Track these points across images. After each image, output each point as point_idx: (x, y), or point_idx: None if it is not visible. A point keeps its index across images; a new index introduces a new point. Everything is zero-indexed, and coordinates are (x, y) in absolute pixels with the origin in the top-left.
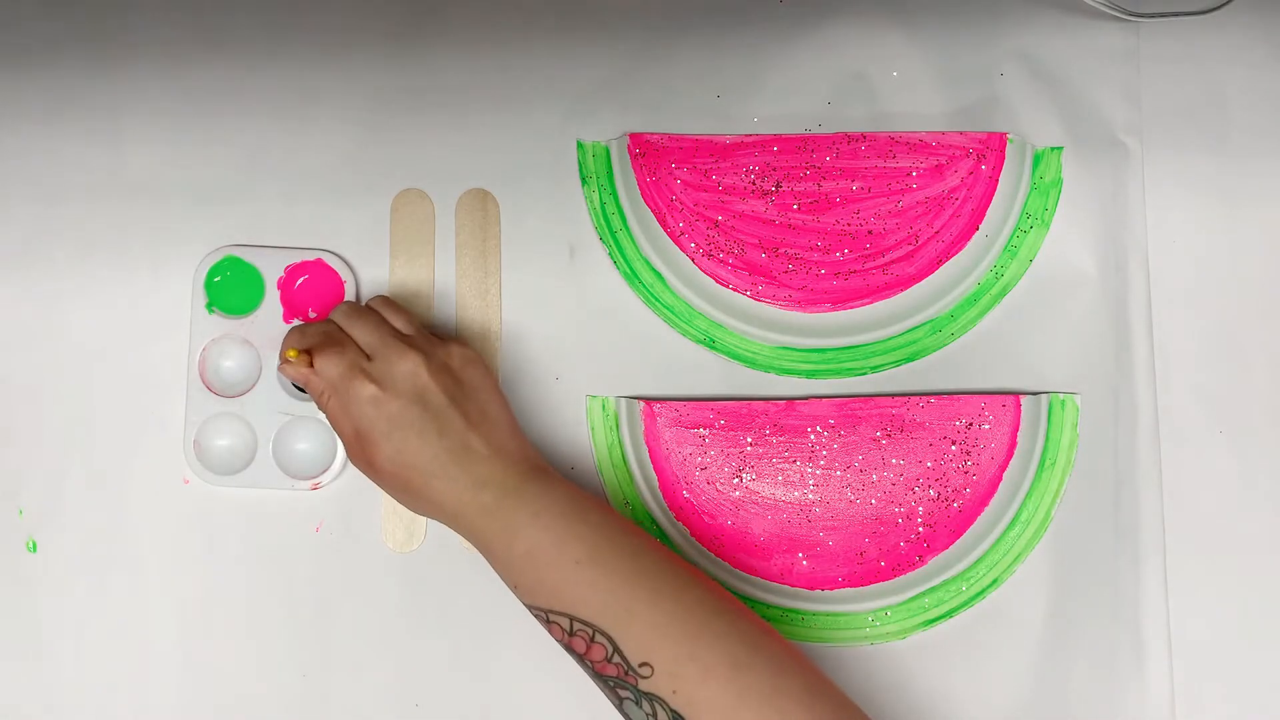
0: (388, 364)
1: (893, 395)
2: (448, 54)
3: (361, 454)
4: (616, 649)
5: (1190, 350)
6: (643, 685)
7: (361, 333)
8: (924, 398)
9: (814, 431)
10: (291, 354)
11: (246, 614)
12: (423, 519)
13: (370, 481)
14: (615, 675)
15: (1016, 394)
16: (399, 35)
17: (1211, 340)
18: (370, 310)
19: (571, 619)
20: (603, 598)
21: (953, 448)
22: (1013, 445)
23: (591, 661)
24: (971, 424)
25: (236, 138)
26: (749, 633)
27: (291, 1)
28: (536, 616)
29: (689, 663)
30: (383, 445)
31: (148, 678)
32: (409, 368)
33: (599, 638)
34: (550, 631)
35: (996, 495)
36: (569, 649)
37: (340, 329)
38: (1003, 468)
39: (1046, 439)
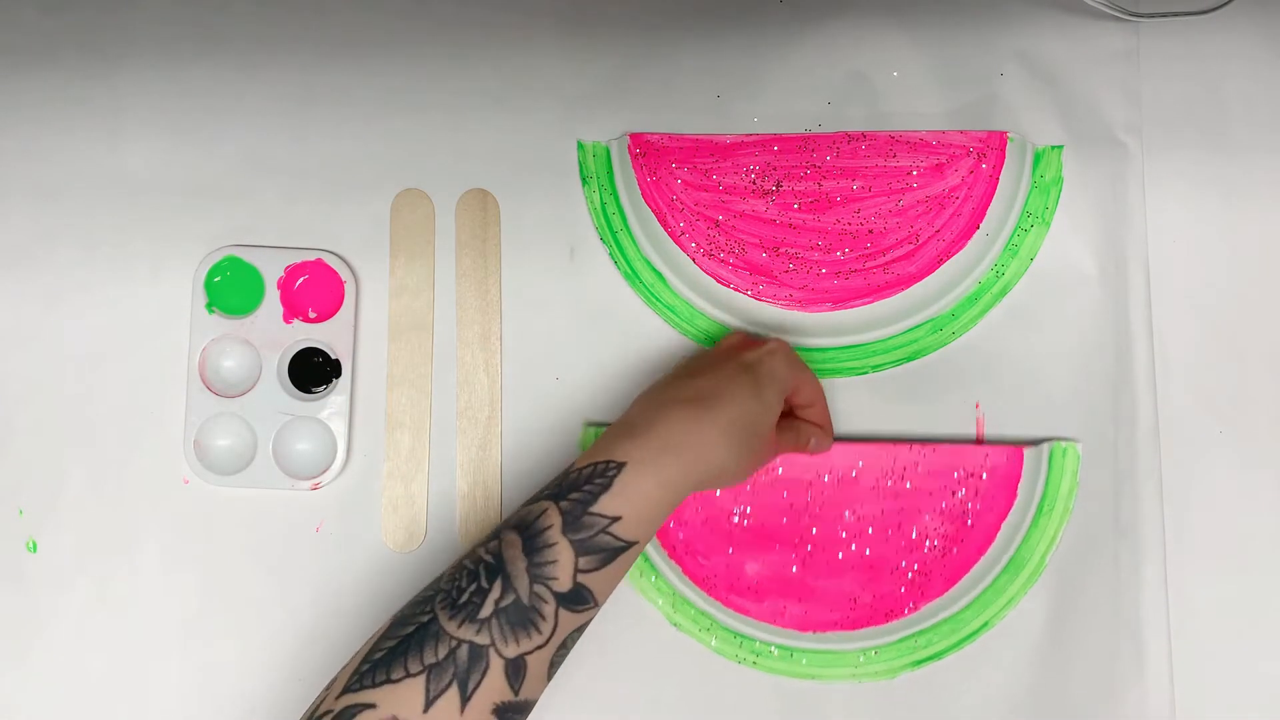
0: None
1: (894, 441)
2: (448, 54)
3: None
4: None
5: (1190, 350)
6: None
7: None
8: (926, 446)
9: (811, 476)
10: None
11: (246, 614)
12: (423, 519)
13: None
14: None
15: (1019, 444)
16: (399, 36)
17: (1211, 340)
18: None
19: None
20: None
21: (954, 496)
22: (1012, 496)
23: None
24: (972, 474)
25: (236, 138)
26: None
27: (291, 2)
28: None
29: None
30: None
31: (148, 678)
32: None
33: None
34: None
35: (994, 544)
36: None
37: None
38: (1001, 518)
39: (1046, 486)
